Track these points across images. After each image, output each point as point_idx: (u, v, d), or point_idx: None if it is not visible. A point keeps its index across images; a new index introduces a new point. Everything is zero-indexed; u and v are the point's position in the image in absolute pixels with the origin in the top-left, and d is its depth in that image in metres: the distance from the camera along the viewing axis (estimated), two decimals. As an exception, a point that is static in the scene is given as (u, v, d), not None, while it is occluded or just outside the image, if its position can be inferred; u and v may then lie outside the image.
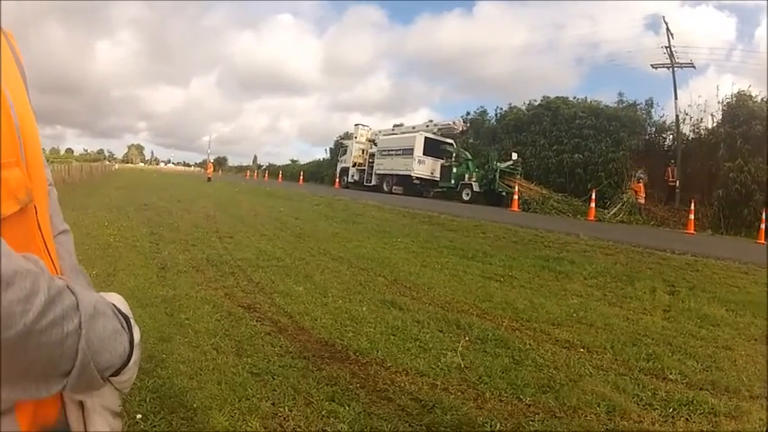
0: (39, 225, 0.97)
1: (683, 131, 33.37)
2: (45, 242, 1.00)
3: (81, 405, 0.95)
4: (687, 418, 4.33)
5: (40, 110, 1.11)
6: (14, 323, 0.68)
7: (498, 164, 32.43)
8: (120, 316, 0.96)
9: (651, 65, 34.71)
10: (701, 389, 4.90)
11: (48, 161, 1.15)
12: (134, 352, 0.96)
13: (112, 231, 12.10)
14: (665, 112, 35.90)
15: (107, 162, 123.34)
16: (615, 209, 26.04)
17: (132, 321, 1.00)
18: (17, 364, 0.73)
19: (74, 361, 0.79)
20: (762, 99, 28.84)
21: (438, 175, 37.72)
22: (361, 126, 50.47)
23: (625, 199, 27.00)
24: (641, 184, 28.33)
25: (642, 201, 27.54)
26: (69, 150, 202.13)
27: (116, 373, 0.92)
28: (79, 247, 1.27)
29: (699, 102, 32.79)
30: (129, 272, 8.20)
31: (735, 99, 29.60)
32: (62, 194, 1.31)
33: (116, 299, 1.03)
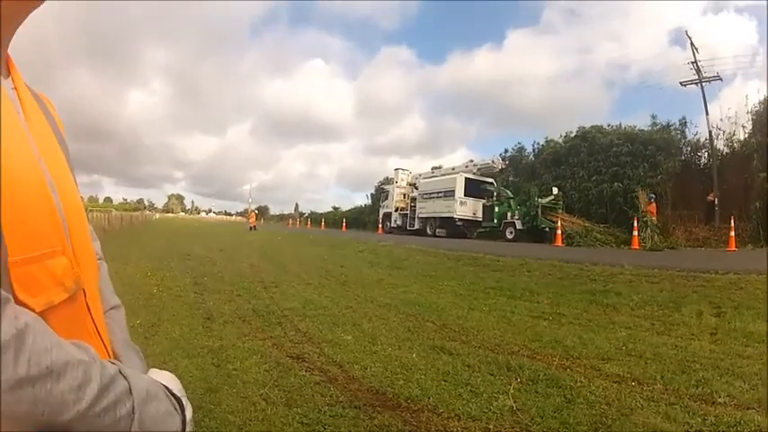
0: (88, 307, 0.98)
1: (717, 147, 33.01)
2: (95, 323, 1.02)
3: None
4: (734, 439, 4.26)
5: (74, 157, 1.11)
6: (67, 410, 0.70)
7: (540, 200, 32.21)
8: (172, 398, 0.98)
9: (680, 82, 34.52)
10: (747, 408, 4.85)
11: (86, 209, 1.14)
12: (186, 429, 0.97)
13: (155, 281, 12.28)
14: (698, 130, 35.60)
15: (147, 211, 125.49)
16: (644, 234, 25.67)
17: (184, 400, 1.02)
18: None
19: None
20: None
21: (480, 216, 37.62)
22: (401, 170, 50.71)
23: (648, 222, 26.67)
24: (653, 204, 28.28)
25: (655, 220, 27.23)
26: (108, 199, 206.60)
27: None
28: (122, 297, 1.26)
29: (729, 114, 32.71)
30: (173, 322, 8.26)
31: (762, 106, 29.30)
32: (103, 243, 1.32)
33: (167, 378, 1.05)
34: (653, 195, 29.11)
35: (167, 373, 1.08)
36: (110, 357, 1.05)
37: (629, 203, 30.38)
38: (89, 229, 1.12)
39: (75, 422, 0.71)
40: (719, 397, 5.12)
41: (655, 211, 27.79)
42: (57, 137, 1.07)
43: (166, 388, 0.99)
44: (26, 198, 0.79)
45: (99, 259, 1.23)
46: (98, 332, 1.02)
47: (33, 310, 0.75)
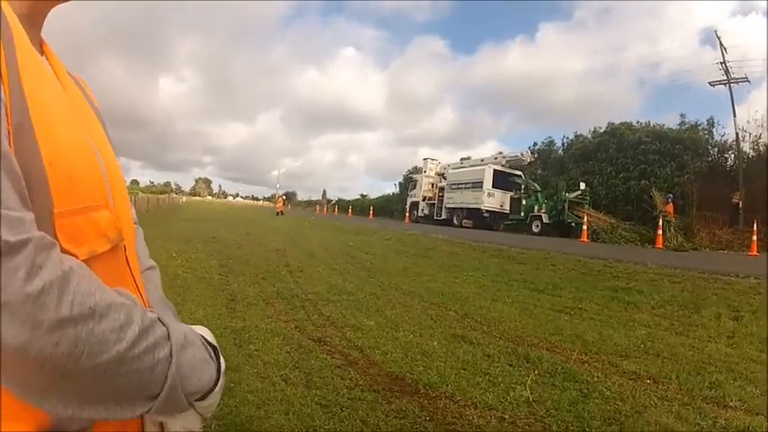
0: (128, 261, 1.04)
1: (744, 149, 32.73)
2: (134, 278, 1.07)
3: (161, 426, 0.99)
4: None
5: None
6: (108, 349, 0.72)
7: (567, 194, 32.12)
8: (208, 347, 1.01)
9: (709, 83, 34.17)
10: (757, 414, 4.84)
11: None
12: (220, 379, 1.00)
13: (181, 263, 12.38)
14: (726, 131, 35.29)
15: (174, 194, 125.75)
16: (668, 233, 25.48)
17: (219, 351, 1.04)
18: (106, 387, 0.76)
19: (162, 385, 0.83)
20: None
21: (507, 208, 37.57)
22: (430, 160, 50.70)
23: (669, 222, 26.50)
24: (671, 204, 28.39)
25: (673, 219, 27.20)
26: (135, 182, 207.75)
27: (201, 398, 0.95)
28: None
29: (756, 117, 32.45)
30: (198, 303, 8.34)
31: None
32: None
33: (204, 331, 1.09)
34: (671, 195, 29.26)
35: (203, 327, 1.11)
36: None
37: (648, 202, 30.26)
38: (127, 195, 1.16)
39: (115, 363, 0.74)
40: (731, 401, 5.11)
41: (672, 211, 27.82)
42: (94, 111, 1.12)
43: (203, 338, 1.03)
44: (72, 154, 0.83)
45: (135, 224, 1.28)
46: (137, 287, 1.07)
47: (77, 258, 0.79)
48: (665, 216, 26.85)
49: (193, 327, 1.09)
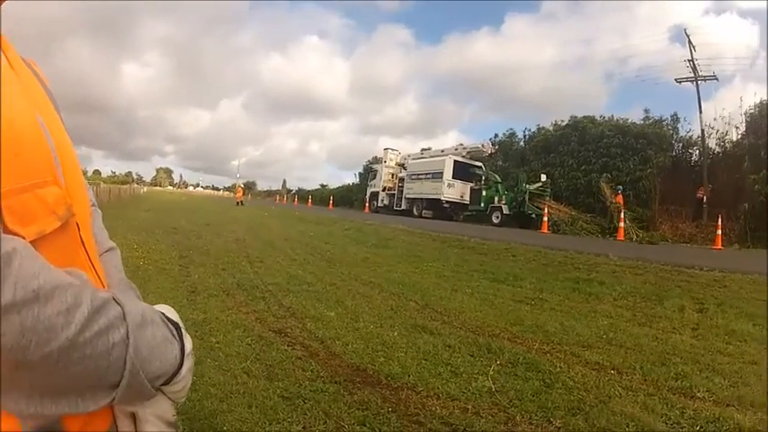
0: (82, 241, 0.97)
1: (709, 145, 33.33)
2: (90, 258, 1.00)
3: (133, 417, 0.94)
4: (713, 435, 4.32)
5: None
6: (56, 336, 0.68)
7: (527, 186, 32.41)
8: (169, 324, 0.96)
9: (675, 79, 34.65)
10: (727, 405, 4.89)
11: None
12: (185, 360, 0.96)
13: (141, 254, 12.24)
14: (691, 127, 35.96)
15: (135, 185, 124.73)
16: (626, 225, 25.89)
17: (183, 330, 1.00)
18: (60, 377, 0.73)
19: (122, 371, 0.79)
20: None
21: (468, 199, 37.83)
22: (390, 150, 50.85)
23: (614, 212, 26.97)
24: (620, 196, 28.99)
25: (623, 210, 27.67)
26: (97, 172, 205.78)
27: (167, 382, 0.92)
28: None
29: (723, 114, 33.02)
30: (158, 294, 8.23)
31: (757, 109, 29.56)
32: None
33: (165, 308, 1.03)
34: (620, 187, 29.83)
35: (165, 305, 1.05)
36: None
37: (597, 193, 30.69)
38: (81, 176, 1.11)
39: (66, 350, 0.70)
40: (699, 392, 5.16)
41: (623, 202, 28.33)
42: (47, 93, 1.08)
43: (164, 315, 0.97)
44: (18, 132, 0.79)
45: (92, 206, 1.23)
46: (93, 267, 1.01)
47: (24, 239, 0.75)
48: (617, 207, 27.26)
49: (155, 306, 1.03)
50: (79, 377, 0.75)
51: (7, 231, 0.72)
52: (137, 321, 0.83)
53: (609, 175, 32.74)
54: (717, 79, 33.68)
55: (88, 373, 0.75)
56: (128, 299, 0.87)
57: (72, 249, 0.93)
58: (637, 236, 24.87)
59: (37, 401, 0.73)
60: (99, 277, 1.02)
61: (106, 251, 1.22)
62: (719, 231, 22.64)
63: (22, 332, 0.65)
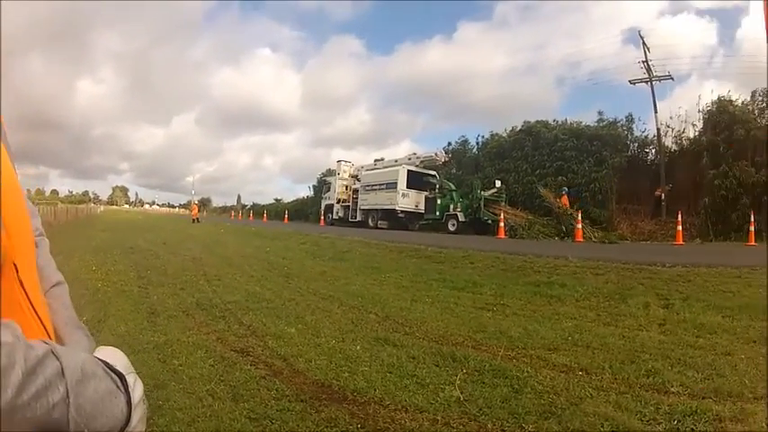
0: (21, 282, 0.92)
1: (666, 144, 33.96)
2: (30, 300, 0.95)
3: None
4: (693, 428, 4.36)
5: (21, 148, 1.07)
6: None
7: (482, 192, 32.47)
8: (113, 375, 0.92)
9: (629, 81, 35.30)
10: (703, 397, 4.94)
11: (33, 203, 1.10)
12: (135, 410, 0.92)
13: (100, 276, 12.11)
14: (646, 127, 36.50)
15: (92, 204, 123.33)
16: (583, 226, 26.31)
17: (132, 377, 0.96)
18: None
19: None
20: (742, 102, 29.53)
21: (423, 208, 37.84)
22: (343, 162, 50.76)
23: (572, 214, 27.43)
24: (565, 197, 29.90)
25: (569, 210, 28.56)
26: (54, 192, 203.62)
27: None
28: (69, 292, 1.22)
29: (680, 113, 33.75)
30: (118, 317, 8.16)
31: (715, 106, 30.17)
32: (49, 238, 1.29)
33: (111, 354, 1.00)
34: (565, 189, 30.76)
35: (112, 348, 1.03)
36: (49, 337, 1.00)
37: (576, 197, 31.05)
38: (27, 205, 1.08)
39: (6, 414, 0.67)
40: (672, 386, 5.21)
41: (567, 203, 29.14)
42: None
43: (106, 364, 0.93)
44: None
45: (39, 235, 1.19)
46: (34, 310, 0.96)
47: None
48: (562, 209, 27.68)
49: (103, 350, 1.02)
50: None
51: None
52: (76, 377, 0.79)
53: (564, 178, 33.22)
54: (672, 79, 34.60)
55: None
56: (66, 349, 0.83)
57: (8, 293, 0.88)
58: (594, 236, 25.20)
59: None
60: (40, 319, 0.98)
61: (53, 286, 1.17)
62: (680, 227, 23.03)
63: None
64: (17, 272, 0.91)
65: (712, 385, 5.21)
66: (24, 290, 0.93)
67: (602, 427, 4.36)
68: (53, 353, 0.78)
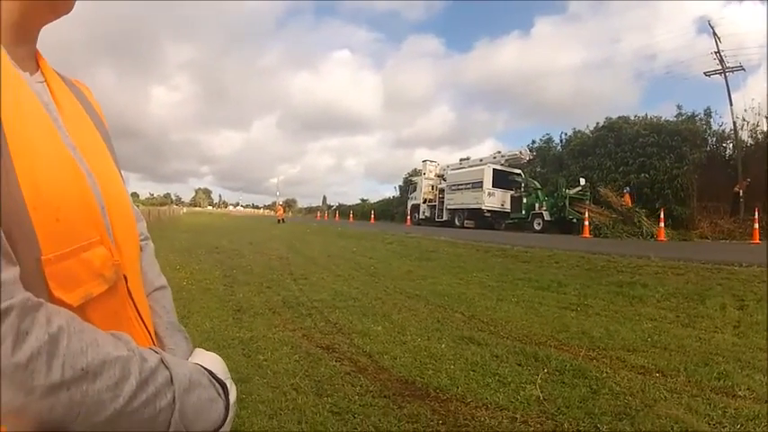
0: (130, 293, 0.98)
1: (742, 137, 33.04)
2: (137, 309, 1.01)
3: None
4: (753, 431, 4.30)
5: None
6: (104, 409, 0.69)
7: (567, 191, 32.21)
8: (216, 383, 0.97)
9: (704, 73, 34.39)
10: (766, 401, 4.86)
11: None
12: (229, 414, 0.96)
13: (185, 275, 12.40)
14: (723, 120, 35.60)
15: (174, 206, 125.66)
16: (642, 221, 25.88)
17: (229, 383, 1.01)
18: None
19: None
20: None
21: (508, 207, 37.71)
22: (429, 162, 50.80)
23: (638, 212, 26.97)
24: (627, 196, 29.70)
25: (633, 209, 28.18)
26: (135, 194, 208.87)
27: None
28: None
29: (753, 105, 32.92)
30: (203, 314, 8.37)
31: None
32: None
33: (211, 360, 1.05)
34: (627, 188, 30.47)
35: (212, 354, 1.09)
36: (153, 343, 1.04)
37: (658, 194, 30.41)
38: (134, 211, 1.11)
39: (113, 419, 0.71)
40: (740, 390, 5.12)
41: (630, 201, 29.00)
42: (95, 122, 1.07)
43: (210, 373, 0.98)
44: (58, 192, 0.78)
45: (144, 240, 1.23)
46: (141, 318, 1.01)
47: (70, 306, 0.76)
48: (625, 208, 27.23)
49: (203, 353, 1.08)
50: None
51: (52, 298, 0.73)
52: (184, 386, 0.85)
53: (647, 175, 32.57)
54: (744, 69, 33.50)
55: None
56: (175, 360, 0.89)
57: (119, 306, 0.94)
58: (674, 236, 24.73)
59: None
60: (147, 327, 1.04)
61: (156, 289, 1.21)
62: (756, 225, 22.40)
63: (70, 406, 0.66)
64: (127, 283, 0.96)
65: (776, 389, 5.11)
66: (132, 299, 0.99)
67: (672, 429, 4.31)
68: (163, 362, 0.83)
